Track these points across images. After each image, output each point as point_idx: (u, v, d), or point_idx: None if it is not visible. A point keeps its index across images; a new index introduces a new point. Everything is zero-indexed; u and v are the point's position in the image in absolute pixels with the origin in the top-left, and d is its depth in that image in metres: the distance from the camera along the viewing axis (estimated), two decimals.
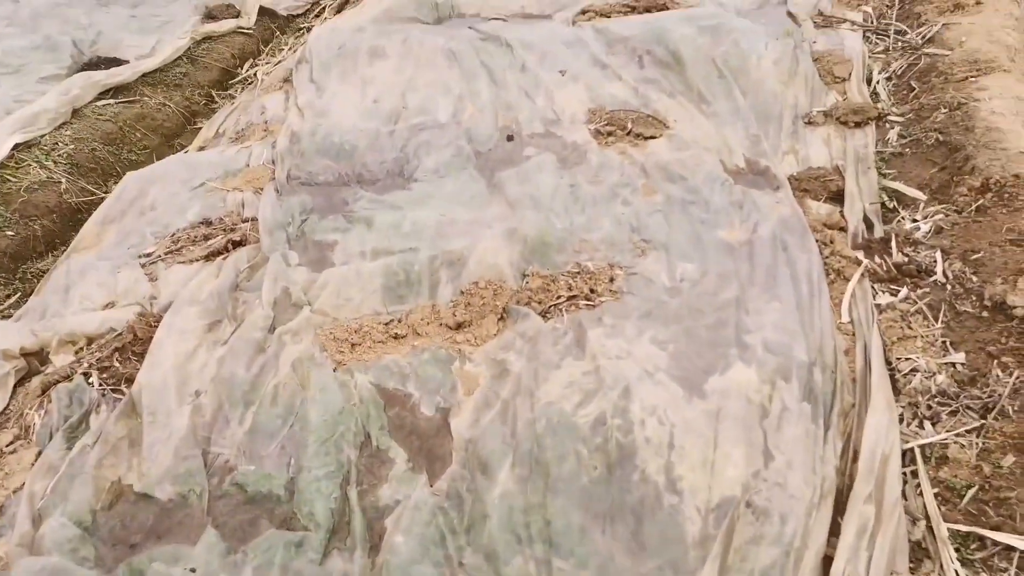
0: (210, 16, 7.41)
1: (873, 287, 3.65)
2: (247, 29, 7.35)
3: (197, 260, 4.01)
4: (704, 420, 2.84)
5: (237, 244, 4.11)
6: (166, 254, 4.09)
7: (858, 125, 4.94)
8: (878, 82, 5.43)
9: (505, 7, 7.03)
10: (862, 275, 3.68)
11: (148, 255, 4.14)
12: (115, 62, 6.32)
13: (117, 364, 3.43)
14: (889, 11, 6.51)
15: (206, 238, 4.18)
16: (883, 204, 4.26)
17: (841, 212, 4.24)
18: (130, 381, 3.29)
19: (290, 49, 7.26)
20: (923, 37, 5.72)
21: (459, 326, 3.40)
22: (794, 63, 5.46)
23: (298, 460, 2.88)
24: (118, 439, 3.01)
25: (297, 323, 3.45)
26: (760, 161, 4.71)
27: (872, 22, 6.33)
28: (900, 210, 4.22)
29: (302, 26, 7.93)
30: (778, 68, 5.37)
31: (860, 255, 3.85)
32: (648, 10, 6.65)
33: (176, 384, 3.12)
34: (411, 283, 3.65)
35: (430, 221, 4.01)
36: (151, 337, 3.40)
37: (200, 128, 6.12)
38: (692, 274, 3.68)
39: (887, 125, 4.93)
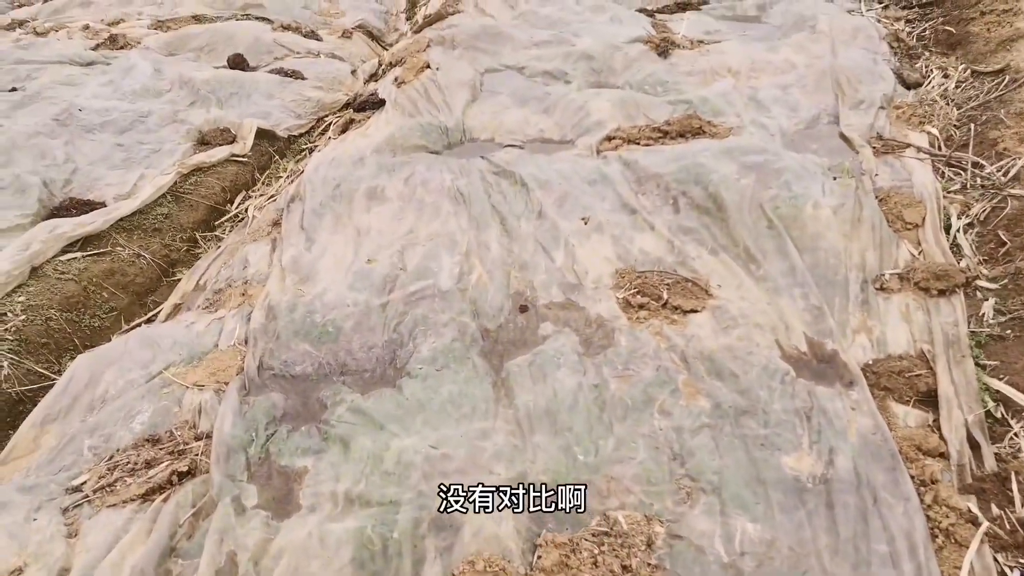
0: (203, 142, 6.80)
1: (996, 559, 2.78)
2: (241, 157, 6.72)
3: (133, 500, 3.23)
4: None
5: (184, 475, 3.34)
6: (96, 491, 3.32)
7: (942, 293, 4.11)
8: (958, 230, 4.60)
9: (522, 131, 6.33)
10: (982, 541, 2.81)
11: (78, 488, 3.37)
12: (89, 205, 5.67)
13: None
14: (957, 131, 5.71)
15: (148, 465, 3.40)
16: (987, 411, 3.41)
17: (935, 424, 3.39)
18: None
19: (287, 178, 6.60)
20: (1005, 173, 4.91)
21: None
22: (857, 208, 4.65)
23: None
24: None
25: None
26: (825, 344, 3.89)
27: (938, 146, 5.53)
28: (1010, 420, 3.36)
29: (304, 147, 7.30)
30: (839, 217, 4.57)
31: (973, 504, 2.98)
32: (682, 135, 5.92)
33: None
34: (388, 556, 2.83)
35: (418, 457, 3.19)
36: None
37: (180, 280, 5.43)
38: (755, 541, 2.83)
39: (978, 294, 4.09)
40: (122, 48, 8.90)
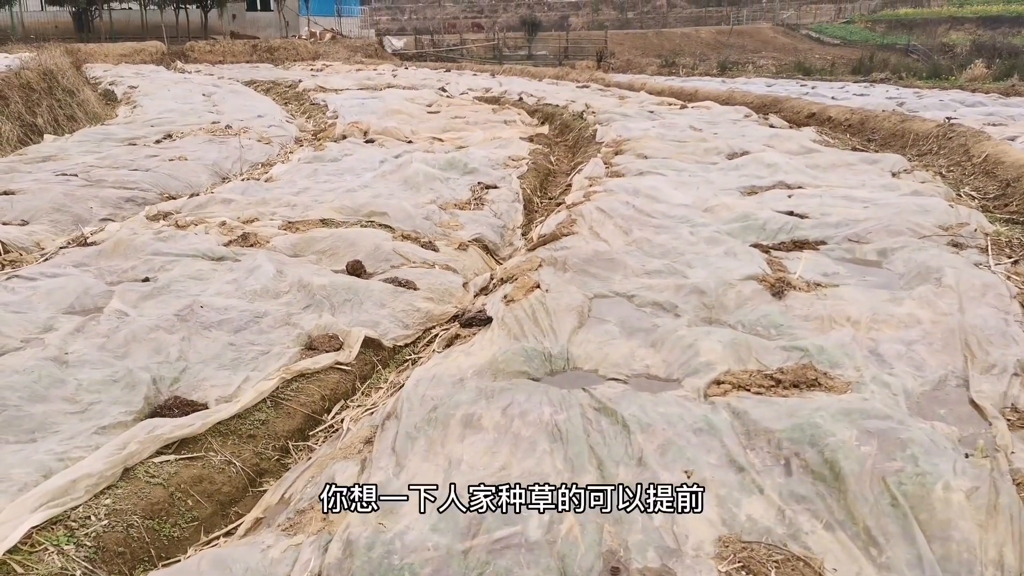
0: (310, 347, 6.91)
1: None
2: (345, 365, 6.77)
3: None
4: None
5: None
6: None
7: None
8: None
9: (627, 365, 6.18)
10: None
11: None
12: (191, 406, 5.73)
13: None
14: None
15: None
16: None
17: None
18: None
19: (388, 390, 6.56)
20: None
21: None
22: (993, 494, 4.21)
23: None
24: None
25: None
26: None
27: None
28: None
29: (407, 358, 7.33)
30: (973, 503, 4.13)
31: None
32: (796, 385, 5.63)
33: None
34: None
35: None
36: None
37: (265, 491, 5.33)
38: None
39: None
40: (252, 246, 9.37)
